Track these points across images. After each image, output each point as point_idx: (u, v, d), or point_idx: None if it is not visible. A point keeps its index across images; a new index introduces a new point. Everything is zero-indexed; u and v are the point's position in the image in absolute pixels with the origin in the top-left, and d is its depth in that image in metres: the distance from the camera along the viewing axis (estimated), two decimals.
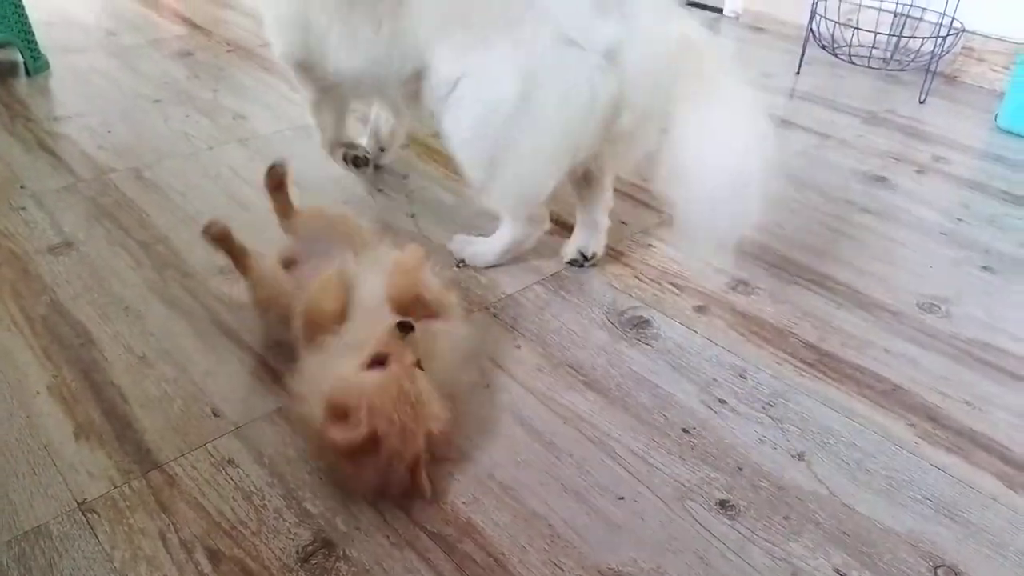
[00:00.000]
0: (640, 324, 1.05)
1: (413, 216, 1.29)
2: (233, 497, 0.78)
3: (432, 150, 1.50)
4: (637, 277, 1.15)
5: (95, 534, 0.73)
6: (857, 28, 1.98)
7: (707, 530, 0.77)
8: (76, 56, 1.84)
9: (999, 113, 1.71)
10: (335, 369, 0.77)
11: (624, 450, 0.85)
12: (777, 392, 0.94)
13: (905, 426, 0.90)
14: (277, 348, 0.94)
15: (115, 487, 0.78)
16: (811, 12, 1.94)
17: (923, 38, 1.95)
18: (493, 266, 1.16)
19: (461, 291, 1.10)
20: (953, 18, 1.84)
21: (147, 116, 1.56)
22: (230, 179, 1.35)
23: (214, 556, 0.72)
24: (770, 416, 0.91)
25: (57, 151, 1.41)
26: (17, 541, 0.73)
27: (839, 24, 1.94)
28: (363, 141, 1.40)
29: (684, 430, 0.88)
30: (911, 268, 1.20)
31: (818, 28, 2.00)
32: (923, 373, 0.98)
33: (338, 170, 1.39)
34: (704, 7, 2.48)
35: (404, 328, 0.78)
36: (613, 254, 1.21)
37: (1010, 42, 1.85)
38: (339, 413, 0.73)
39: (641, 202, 1.36)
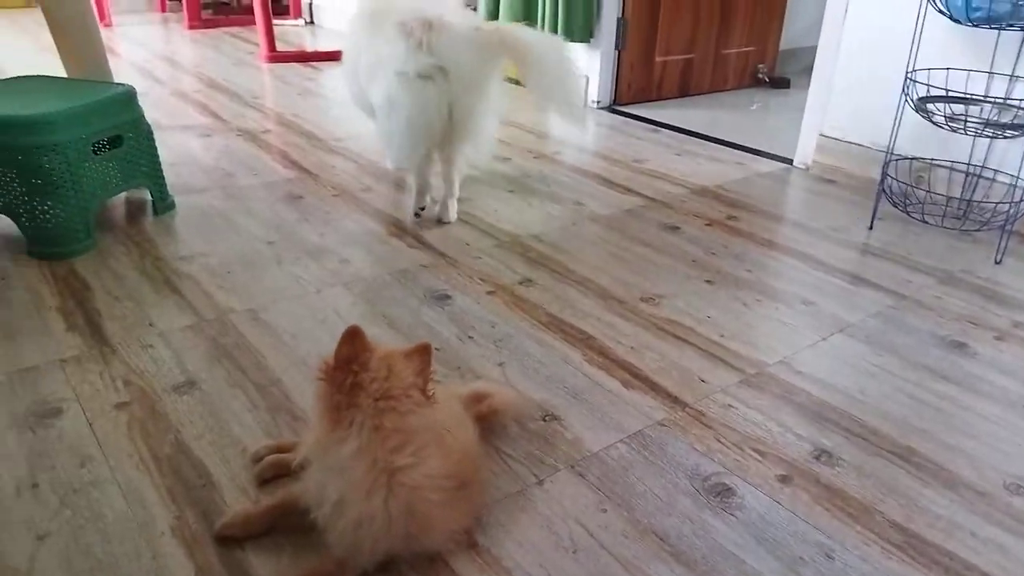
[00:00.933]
0: (724, 492, 1.08)
1: (501, 365, 1.36)
2: None
3: (519, 298, 1.59)
4: (719, 440, 1.19)
5: None
6: (930, 191, 2.04)
7: None
8: (198, 196, 2.04)
9: None
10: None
11: None
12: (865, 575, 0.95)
13: None
14: None
15: None
16: (882, 173, 2.02)
17: (995, 203, 2.00)
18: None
19: (547, 446, 1.16)
20: None
21: (262, 257, 1.71)
22: (335, 322, 1.46)
23: None
24: None
25: (182, 290, 1.55)
26: None
27: (910, 186, 2.01)
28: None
29: None
30: (996, 445, 1.20)
31: (890, 187, 2.08)
32: (1013, 562, 0.98)
33: (432, 317, 1.50)
34: (774, 157, 2.59)
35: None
36: (693, 414, 1.25)
37: None
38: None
39: (720, 359, 1.41)
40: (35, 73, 1.99)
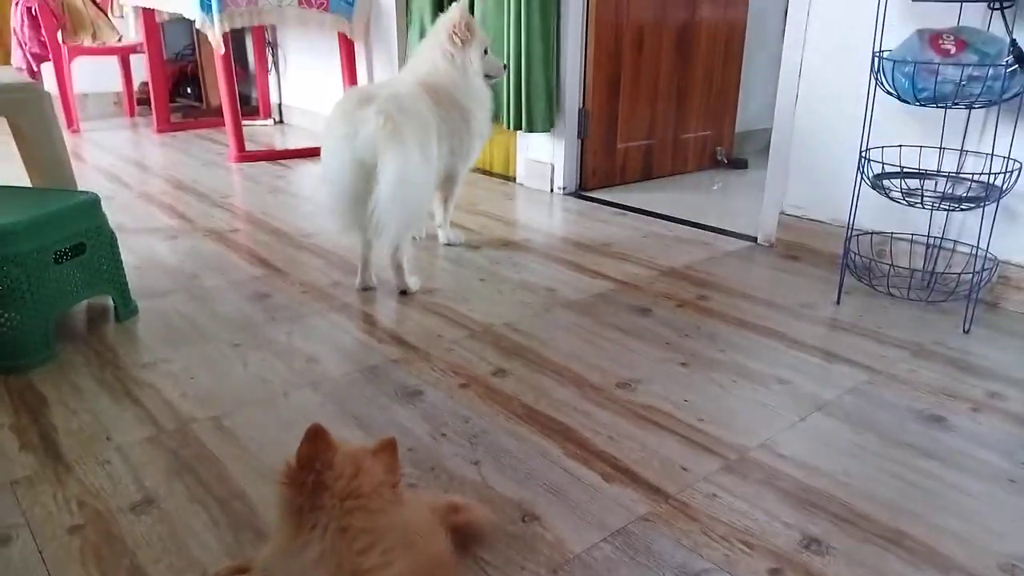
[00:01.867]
0: None
1: (477, 464, 1.32)
2: None
3: (493, 390, 1.56)
4: (706, 533, 1.14)
5: None
6: (893, 264, 2.07)
7: None
8: (162, 300, 2.00)
9: None
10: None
11: None
12: None
13: None
14: None
15: None
16: (844, 248, 2.05)
17: (958, 273, 2.03)
18: None
19: (528, 550, 1.10)
20: (986, 250, 1.93)
21: (227, 360, 1.67)
22: (303, 427, 1.38)
23: None
24: None
25: (142, 400, 1.50)
26: None
27: (873, 260, 2.05)
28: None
29: None
30: (986, 524, 1.17)
31: (853, 262, 2.11)
32: None
33: (403, 415, 1.45)
34: (738, 235, 2.63)
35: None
36: (677, 505, 1.21)
37: None
38: None
39: (700, 445, 1.38)
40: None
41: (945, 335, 1.85)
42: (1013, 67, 1.72)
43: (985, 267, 1.93)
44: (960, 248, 2.06)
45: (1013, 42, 1.74)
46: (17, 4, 4.35)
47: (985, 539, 1.14)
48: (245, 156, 3.79)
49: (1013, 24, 1.83)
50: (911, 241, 2.14)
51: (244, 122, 4.03)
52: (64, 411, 1.46)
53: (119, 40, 4.74)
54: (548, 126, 3.11)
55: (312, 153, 3.96)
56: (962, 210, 1.92)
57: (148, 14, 4.31)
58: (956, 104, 1.81)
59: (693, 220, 2.83)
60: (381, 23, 3.92)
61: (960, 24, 1.90)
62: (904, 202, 1.91)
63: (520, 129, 3.13)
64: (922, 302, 2.04)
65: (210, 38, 3.56)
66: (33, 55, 4.46)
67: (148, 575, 1.04)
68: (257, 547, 1.09)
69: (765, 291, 2.13)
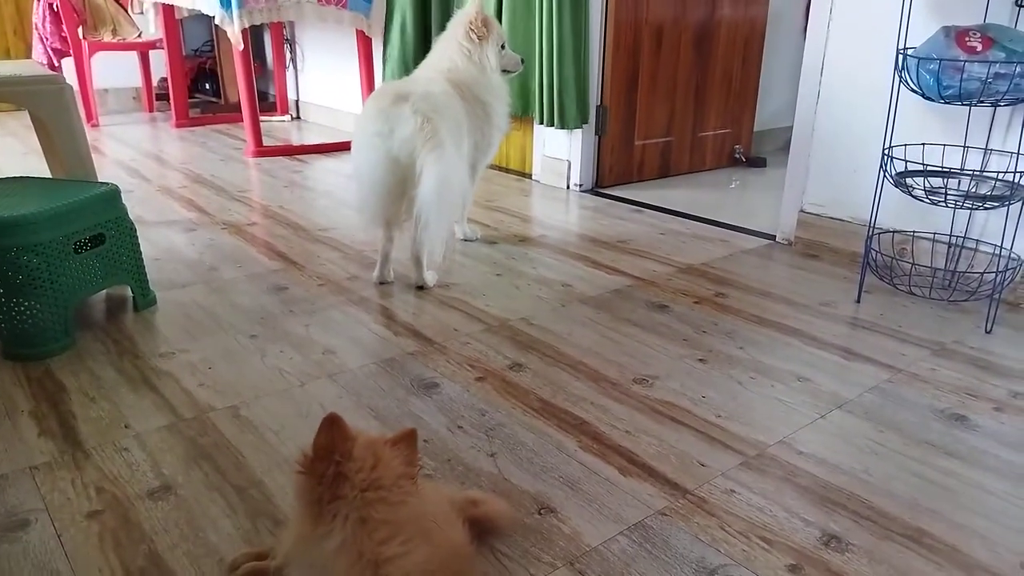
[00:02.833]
0: None
1: (493, 456, 1.31)
2: None
3: (509, 384, 1.55)
4: (723, 529, 1.13)
5: None
6: (914, 263, 2.05)
7: None
8: (180, 291, 2.01)
9: None
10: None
11: None
12: None
13: None
14: None
15: None
16: (866, 246, 2.03)
17: (980, 273, 2.01)
18: None
19: (544, 542, 1.10)
20: (1010, 250, 1.90)
21: (245, 351, 1.67)
22: (320, 417, 1.40)
23: None
24: None
25: (160, 388, 1.51)
26: None
27: (894, 259, 2.02)
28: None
29: None
30: (1008, 523, 1.15)
31: (874, 260, 2.09)
32: None
33: (420, 407, 1.45)
34: (756, 233, 2.61)
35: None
36: (695, 501, 1.20)
37: None
38: None
39: (718, 441, 1.36)
40: (21, 174, 1.99)
41: (967, 335, 1.82)
42: None
43: (1008, 267, 1.90)
44: (983, 248, 2.03)
45: None
46: (39, 0, 4.40)
47: (1007, 538, 1.12)
48: (262, 151, 3.81)
49: None
50: (933, 240, 2.12)
51: (261, 118, 4.05)
52: (83, 398, 1.47)
53: (139, 36, 4.77)
54: (580, 122, 3.10)
55: (329, 149, 3.97)
56: (986, 209, 1.89)
57: (168, 10, 4.34)
58: (981, 102, 1.78)
59: (711, 218, 2.82)
60: None
61: (987, 21, 1.88)
62: (927, 200, 1.88)
63: (552, 125, 3.11)
64: (943, 302, 2.01)
65: (229, 34, 3.58)
66: (54, 50, 4.50)
67: (165, 561, 1.04)
68: (274, 535, 1.10)
69: (784, 289, 2.11)
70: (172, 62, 4.44)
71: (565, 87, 3.01)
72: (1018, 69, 1.69)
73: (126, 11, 4.80)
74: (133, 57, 5.01)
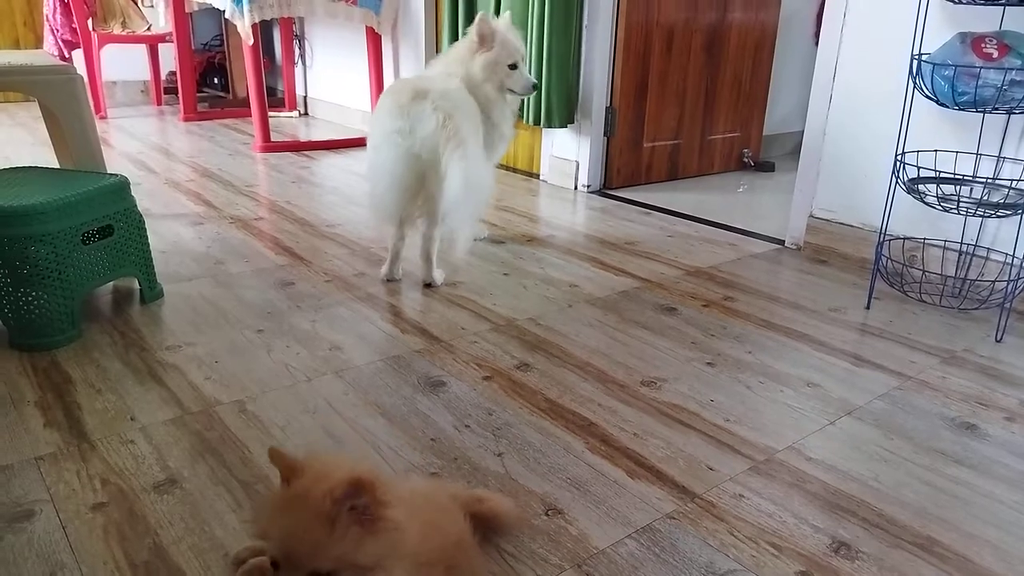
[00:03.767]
0: None
1: (500, 455, 1.30)
2: None
3: (516, 384, 1.55)
4: (732, 534, 1.12)
5: None
6: (924, 270, 2.04)
7: None
8: (187, 284, 2.00)
9: None
10: None
11: None
12: None
13: None
14: None
15: None
16: (876, 253, 2.02)
17: (991, 281, 2.00)
18: None
19: (551, 543, 1.09)
20: (1022, 259, 1.89)
21: (251, 346, 1.67)
22: (327, 413, 1.41)
23: None
24: None
25: (167, 382, 1.50)
26: None
27: (905, 266, 2.01)
28: None
29: None
30: (1019, 533, 1.14)
31: (885, 267, 2.08)
32: None
33: (427, 405, 1.44)
34: (765, 238, 2.60)
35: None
36: (704, 505, 1.19)
37: None
38: None
39: (727, 445, 1.35)
40: (30, 165, 1.98)
41: (977, 343, 1.81)
42: None
43: (1020, 276, 1.89)
44: (994, 256, 2.02)
45: None
46: None
47: (1019, 548, 1.11)
48: (270, 146, 3.81)
49: None
50: (944, 248, 2.11)
51: (270, 113, 4.05)
52: (89, 390, 1.46)
53: (148, 29, 4.78)
54: (565, 122, 3.10)
55: (337, 145, 3.97)
56: (998, 217, 1.88)
57: (178, 4, 4.34)
58: (996, 109, 1.77)
59: (719, 221, 2.81)
60: (409, 18, 3.92)
61: (1003, 28, 1.87)
62: (939, 207, 1.87)
63: (539, 125, 3.11)
64: (954, 310, 2.00)
65: (239, 29, 3.58)
66: (64, 42, 4.50)
67: (170, 555, 1.04)
68: None
69: (793, 294, 2.10)
70: (181, 56, 4.44)
71: (553, 87, 3.02)
72: None
73: (136, 4, 4.80)
74: (142, 50, 5.01)
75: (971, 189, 1.95)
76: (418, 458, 1.28)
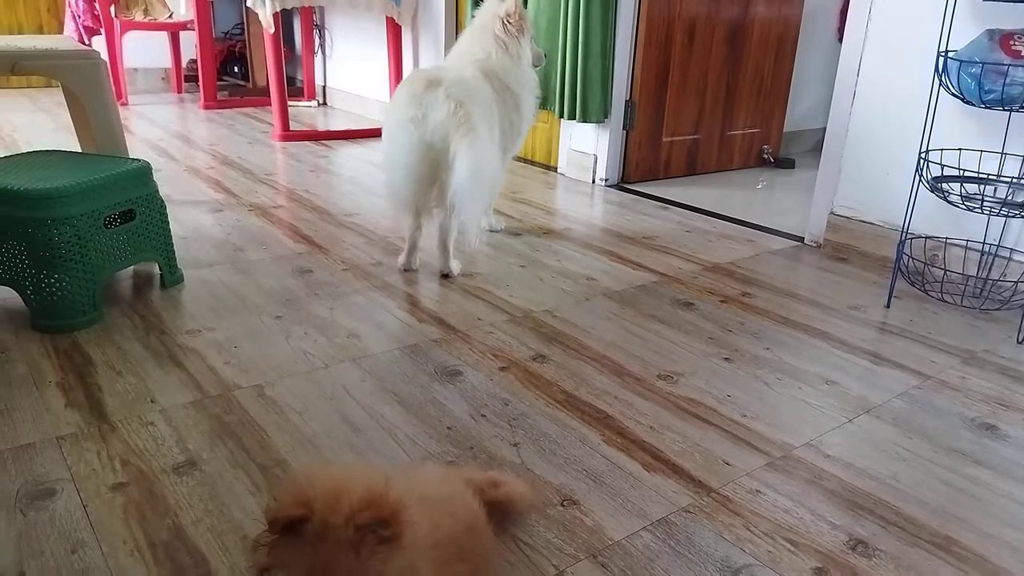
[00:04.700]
0: None
1: (516, 446, 1.30)
2: None
3: (532, 375, 1.55)
4: (748, 528, 1.12)
5: None
6: (946, 269, 2.02)
7: None
8: (207, 270, 2.02)
9: None
10: None
11: None
12: None
13: None
14: None
15: None
16: (898, 251, 2.00)
17: (1014, 282, 1.97)
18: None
19: (567, 534, 1.09)
20: None
21: (270, 332, 1.68)
22: (344, 399, 1.41)
23: None
24: None
25: (186, 365, 1.51)
26: None
27: (927, 265, 1.99)
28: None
29: None
30: None
31: (906, 266, 2.06)
32: None
33: (443, 394, 1.45)
34: (784, 235, 2.58)
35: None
36: (720, 499, 1.19)
37: None
38: None
39: (744, 441, 1.35)
40: (53, 149, 2.00)
41: (998, 344, 1.79)
42: None
43: None
44: (1016, 256, 2.00)
45: None
46: None
47: None
48: (289, 135, 3.82)
49: None
50: (966, 247, 2.08)
51: (289, 102, 4.06)
52: (110, 372, 1.48)
53: (170, 17, 4.80)
54: (602, 117, 3.08)
55: (355, 136, 3.98)
56: (1022, 217, 1.86)
57: None
58: (1022, 107, 1.75)
59: (738, 217, 2.79)
60: (429, 9, 3.92)
61: None
62: (963, 206, 1.85)
63: (573, 119, 3.10)
64: (975, 310, 1.98)
65: (261, 18, 3.59)
66: (86, 28, 4.54)
67: (189, 535, 1.05)
68: None
69: (812, 291, 2.09)
70: (202, 44, 4.46)
71: (590, 82, 3.00)
72: None
73: None
74: (163, 37, 5.04)
75: (995, 188, 1.92)
76: (434, 446, 1.29)
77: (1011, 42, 1.73)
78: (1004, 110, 1.78)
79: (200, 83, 4.61)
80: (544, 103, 3.25)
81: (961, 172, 1.94)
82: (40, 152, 1.93)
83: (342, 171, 3.25)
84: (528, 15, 2.26)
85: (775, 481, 1.24)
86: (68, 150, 1.98)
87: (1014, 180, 1.93)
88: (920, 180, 1.93)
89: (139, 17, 4.69)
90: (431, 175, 1.94)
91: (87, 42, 4.50)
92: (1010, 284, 1.99)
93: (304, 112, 4.68)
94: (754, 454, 1.31)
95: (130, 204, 1.76)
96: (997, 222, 2.02)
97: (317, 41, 4.96)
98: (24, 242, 1.59)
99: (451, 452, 1.27)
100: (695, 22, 3.20)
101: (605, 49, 2.99)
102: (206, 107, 4.59)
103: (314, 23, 4.91)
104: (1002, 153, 1.98)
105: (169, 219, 1.90)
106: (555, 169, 3.45)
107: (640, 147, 3.23)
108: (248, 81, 5.36)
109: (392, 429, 1.33)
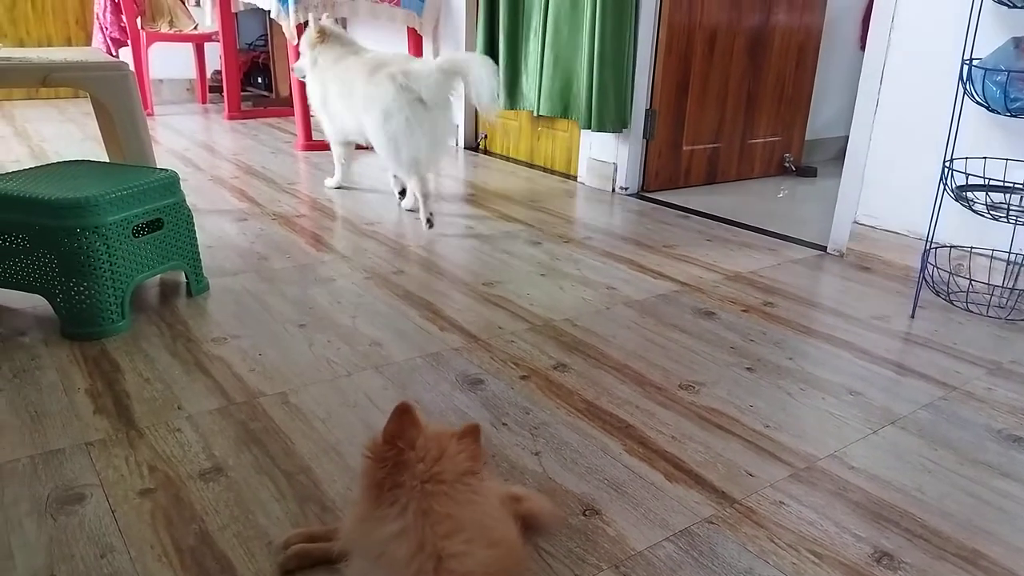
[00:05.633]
0: None
1: (537, 454, 1.31)
2: None
3: (553, 384, 1.55)
4: (772, 540, 1.11)
5: None
6: (971, 279, 2.00)
7: None
8: (231, 279, 2.04)
9: None
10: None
11: None
12: None
13: None
14: None
15: None
16: (922, 261, 1.98)
17: None
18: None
19: (589, 544, 1.09)
20: None
21: (294, 340, 1.69)
22: (367, 407, 1.43)
23: None
24: None
25: (212, 372, 1.53)
26: None
27: (951, 274, 1.97)
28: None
29: None
30: None
31: (931, 275, 2.04)
32: None
33: (464, 402, 1.46)
34: (806, 244, 2.57)
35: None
36: (743, 511, 1.18)
37: None
38: None
39: (767, 451, 1.34)
40: (81, 158, 2.04)
41: None
42: None
43: None
44: None
45: None
46: None
47: None
48: (311, 145, 3.86)
49: None
50: (991, 257, 2.06)
51: (311, 113, 4.09)
52: (137, 379, 1.50)
53: (195, 28, 4.88)
54: (619, 127, 3.09)
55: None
56: None
57: (224, 3, 4.42)
58: None
59: (759, 226, 2.78)
60: (450, 19, 3.95)
61: None
62: (988, 216, 1.83)
63: (589, 128, 3.11)
64: (1001, 320, 1.95)
65: (284, 29, 3.64)
66: (113, 39, 4.62)
67: (215, 541, 1.06)
68: (323, 521, 1.11)
69: (835, 301, 2.07)
70: (227, 55, 4.52)
71: (605, 91, 3.01)
72: None
73: (183, 3, 4.91)
74: (189, 49, 5.12)
75: (1021, 197, 1.90)
76: None
77: None
78: None
79: (224, 94, 4.68)
80: (565, 112, 3.26)
81: (986, 181, 1.92)
82: (69, 162, 1.97)
83: (363, 180, 3.28)
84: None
85: (799, 492, 1.23)
86: (97, 160, 2.02)
87: None
88: (944, 189, 1.91)
89: (165, 29, 4.77)
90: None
91: (115, 53, 4.59)
92: None
93: None
94: (778, 465, 1.31)
95: (158, 213, 1.79)
96: (1022, 231, 2.00)
97: None
98: (54, 251, 1.62)
99: None
100: (716, 31, 3.20)
101: (622, 59, 3.00)
102: (230, 117, 4.65)
103: None
104: None
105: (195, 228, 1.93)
106: (575, 178, 3.46)
107: (660, 156, 3.23)
108: (271, 92, 5.43)
109: None
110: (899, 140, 2.26)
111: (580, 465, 1.28)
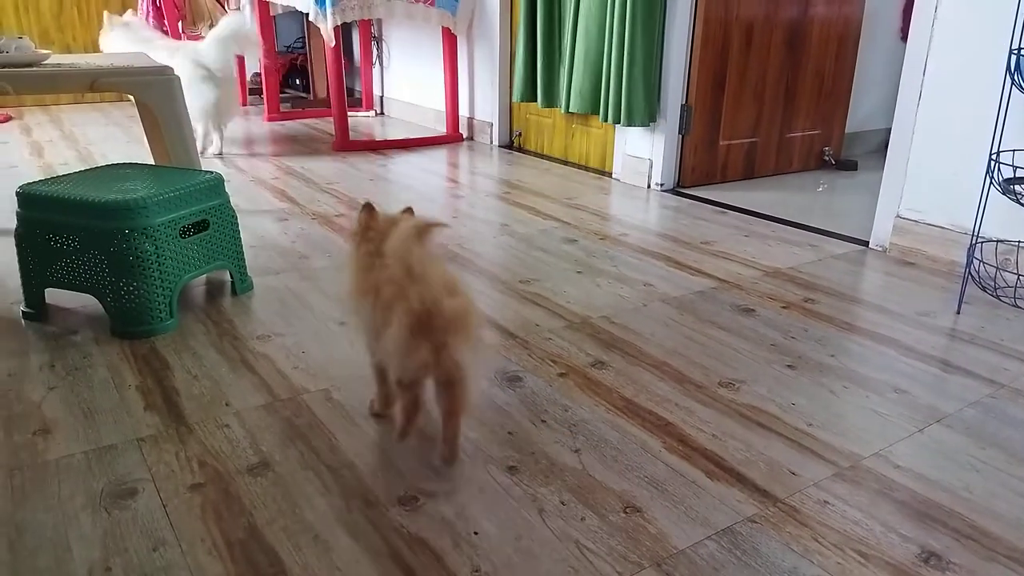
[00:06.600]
0: None
1: (577, 452, 1.31)
2: None
3: (592, 381, 1.55)
4: (817, 540, 1.11)
5: None
6: (1019, 274, 1.95)
7: None
8: (274, 278, 2.08)
9: None
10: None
11: None
12: None
13: None
14: None
15: None
16: (968, 255, 1.94)
17: None
18: None
19: (630, 541, 1.09)
20: None
21: (334, 338, 1.72)
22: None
23: None
24: None
25: (258, 369, 1.57)
26: None
27: (998, 269, 1.93)
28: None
29: None
30: None
31: (977, 270, 2.00)
32: None
33: (503, 399, 1.47)
34: (847, 239, 2.53)
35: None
36: (786, 509, 1.17)
37: None
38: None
39: (810, 450, 1.33)
40: (126, 161, 2.10)
41: None
42: None
43: None
44: None
45: None
46: None
47: None
48: (349, 145, 3.91)
49: None
50: None
51: (348, 113, 4.15)
52: (186, 376, 1.54)
53: None
54: (647, 120, 3.07)
55: (411, 144, 4.05)
56: None
57: (263, 6, 4.50)
58: None
59: (798, 221, 2.74)
60: (485, 19, 3.96)
61: None
62: None
63: (618, 122, 3.10)
64: None
65: (322, 31, 3.68)
66: None
67: (264, 535, 1.09)
68: (368, 517, 1.13)
69: (878, 297, 2.04)
70: (266, 58, 4.60)
71: (633, 84, 2.99)
72: None
73: (223, 7, 4.99)
74: None
75: None
76: (496, 451, 1.30)
77: None
78: None
79: (264, 96, 4.75)
80: (594, 109, 3.26)
81: None
82: (117, 165, 2.02)
83: (399, 179, 3.31)
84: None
85: (843, 492, 1.22)
86: (143, 163, 2.07)
87: None
88: (991, 182, 1.87)
89: (205, 32, 4.86)
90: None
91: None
92: None
93: (362, 122, 4.77)
94: (821, 464, 1.29)
95: (204, 214, 1.83)
96: None
97: (375, 52, 5.07)
98: (105, 252, 1.67)
99: (513, 457, 1.29)
100: (753, 24, 3.16)
101: (650, 53, 2.98)
102: (270, 119, 4.72)
103: (372, 35, 5.01)
104: None
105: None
106: (610, 174, 3.45)
107: (696, 151, 3.21)
108: (309, 93, 5.50)
109: None
110: (943, 132, 2.21)
111: (620, 463, 1.28)
